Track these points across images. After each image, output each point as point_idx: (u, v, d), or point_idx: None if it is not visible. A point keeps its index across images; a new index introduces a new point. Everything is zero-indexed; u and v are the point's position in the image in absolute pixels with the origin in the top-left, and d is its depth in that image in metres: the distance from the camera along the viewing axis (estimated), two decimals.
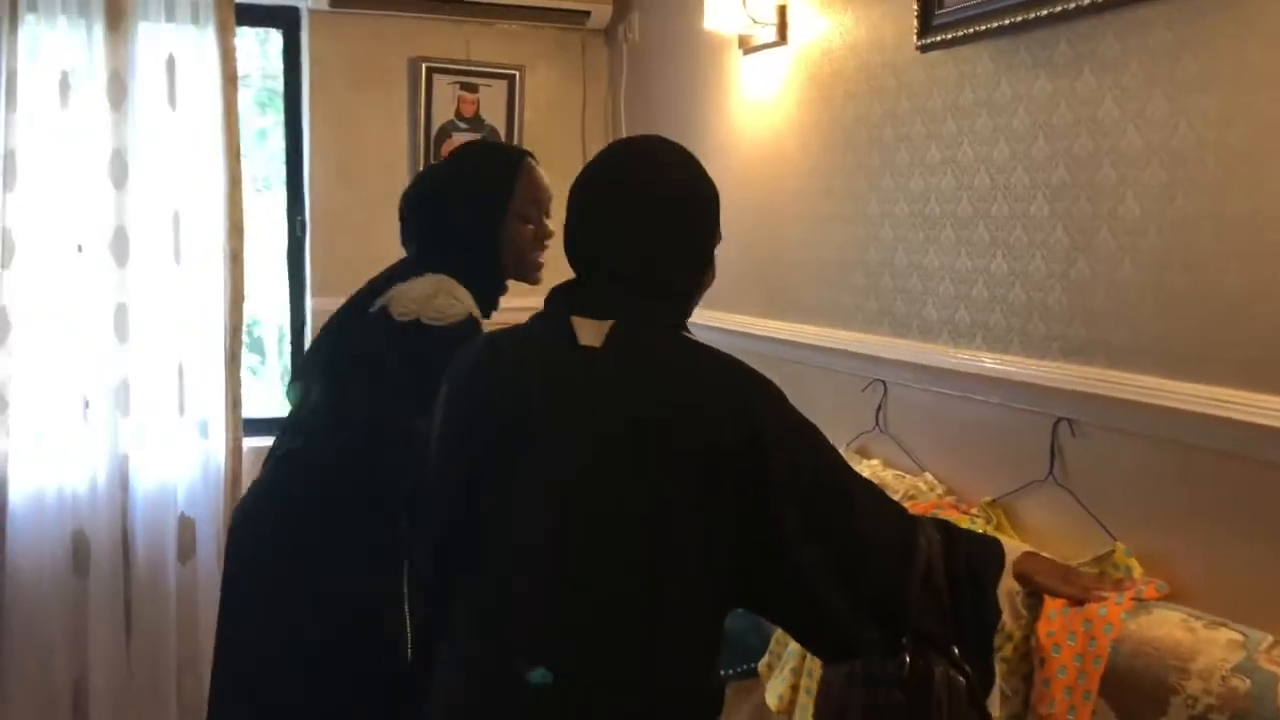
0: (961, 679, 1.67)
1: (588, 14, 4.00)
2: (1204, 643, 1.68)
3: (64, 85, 3.49)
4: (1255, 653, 1.62)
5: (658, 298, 1.65)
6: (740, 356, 3.04)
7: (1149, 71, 1.90)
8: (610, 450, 1.55)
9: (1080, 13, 2.00)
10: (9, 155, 3.42)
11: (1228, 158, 1.77)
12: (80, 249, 3.53)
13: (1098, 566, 2.01)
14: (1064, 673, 1.83)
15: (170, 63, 3.60)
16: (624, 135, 4.10)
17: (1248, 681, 1.58)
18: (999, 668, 1.93)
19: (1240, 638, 1.67)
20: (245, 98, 3.93)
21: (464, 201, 2.25)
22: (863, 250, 2.71)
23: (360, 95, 3.95)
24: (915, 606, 1.64)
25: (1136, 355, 1.95)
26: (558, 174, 4.14)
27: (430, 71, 3.96)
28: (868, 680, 1.72)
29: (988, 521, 2.25)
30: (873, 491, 1.72)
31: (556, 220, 1.96)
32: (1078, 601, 1.85)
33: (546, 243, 2.35)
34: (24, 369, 3.47)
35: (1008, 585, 1.76)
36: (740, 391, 1.61)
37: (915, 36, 2.40)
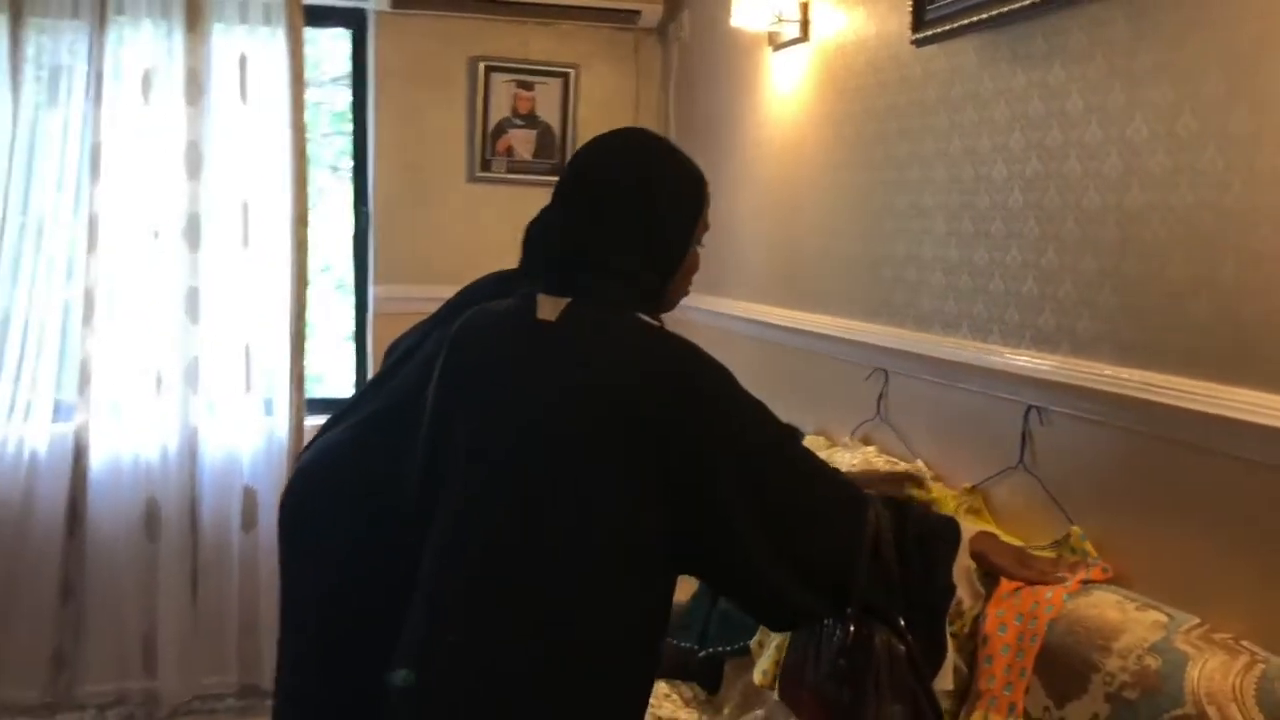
0: (902, 647, 1.72)
1: (638, 13, 4.12)
2: (1130, 623, 1.72)
3: (146, 83, 3.76)
4: (1174, 634, 1.65)
5: (618, 282, 1.70)
6: (758, 344, 3.13)
7: (1110, 64, 1.94)
8: (550, 416, 1.63)
9: (1053, 6, 2.04)
10: (96, 148, 3.69)
11: (1176, 148, 1.80)
12: (156, 235, 3.78)
13: (1056, 550, 2.04)
14: (1006, 650, 1.87)
15: (242, 61, 3.84)
16: (673, 131, 4.21)
17: (1159, 660, 1.61)
18: (953, 643, 1.99)
19: (1165, 619, 1.69)
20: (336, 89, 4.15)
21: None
22: (866, 242, 2.76)
23: (422, 92, 4.14)
24: (861, 578, 1.68)
25: (1095, 343, 1.98)
26: None
27: (488, 70, 4.13)
28: (818, 650, 1.79)
29: (966, 505, 2.29)
30: (820, 469, 1.77)
31: None
32: (1032, 584, 1.89)
33: None
34: (104, 346, 3.75)
35: (963, 563, 1.80)
36: (683, 368, 1.65)
37: (910, 30, 2.45)
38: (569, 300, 1.67)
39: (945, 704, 1.85)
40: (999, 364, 2.22)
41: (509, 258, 4.77)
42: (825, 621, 1.74)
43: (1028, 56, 2.15)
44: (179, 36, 3.76)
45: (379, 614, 1.78)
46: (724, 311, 3.67)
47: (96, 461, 3.78)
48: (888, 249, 2.67)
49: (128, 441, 3.82)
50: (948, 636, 1.82)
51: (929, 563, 1.76)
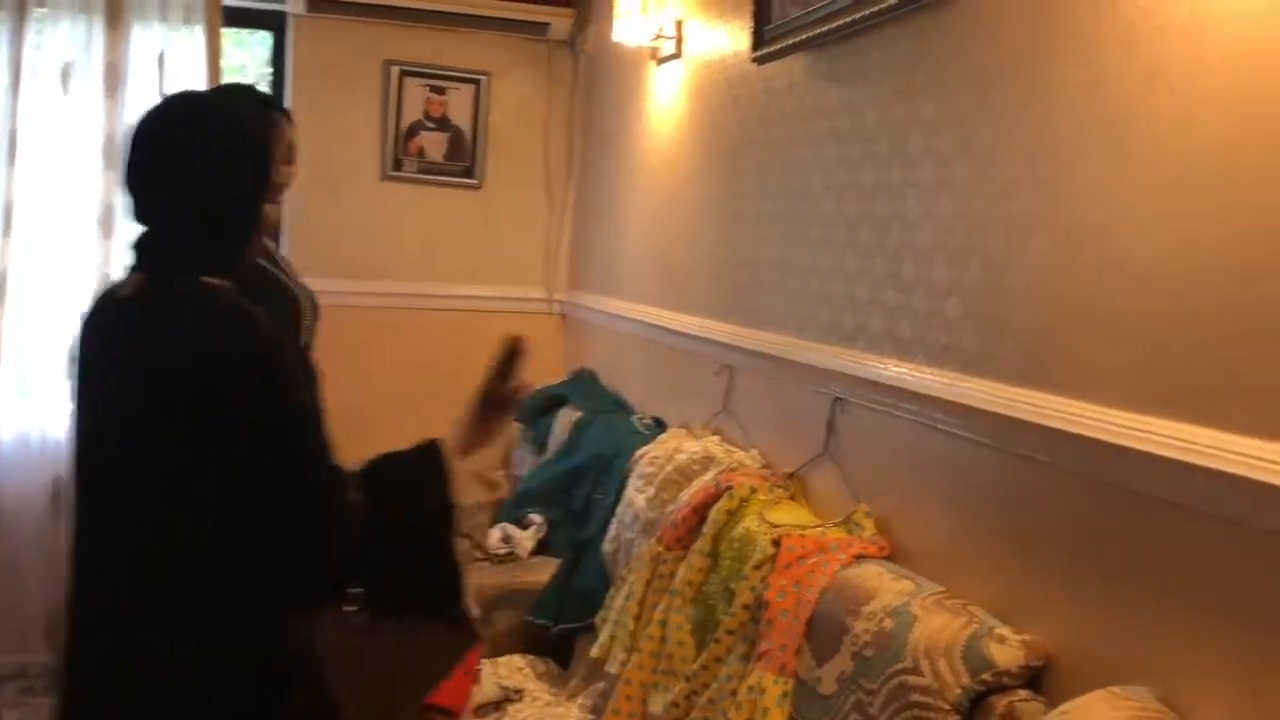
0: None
1: (548, 25, 4.29)
2: (882, 590, 1.89)
3: (65, 75, 3.90)
4: (913, 599, 1.82)
5: (181, 247, 1.65)
6: (642, 343, 3.30)
7: (895, 83, 2.12)
8: (117, 397, 1.64)
9: (857, 27, 2.22)
10: (13, 135, 3.83)
11: (939, 162, 1.98)
12: (72, 222, 3.92)
13: (845, 525, 2.22)
14: (784, 615, 2.05)
15: (161, 59, 3.98)
16: (579, 140, 4.39)
17: (894, 622, 1.79)
18: (742, 614, 2.16)
19: (913, 587, 1.87)
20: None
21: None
22: (721, 246, 2.95)
23: (337, 93, 4.30)
24: (334, 549, 1.63)
25: (881, 340, 2.16)
26: (519, 171, 4.50)
27: (402, 73, 4.29)
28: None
29: (785, 491, 2.46)
30: (311, 450, 1.67)
31: None
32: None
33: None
34: (15, 328, 3.88)
35: (461, 469, 1.73)
36: (221, 334, 1.58)
37: (750, 49, 2.63)
38: (141, 274, 1.65)
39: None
40: (814, 359, 2.40)
41: (419, 252, 4.92)
42: None
43: (838, 75, 2.33)
44: (99, 31, 3.90)
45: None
46: (614, 312, 3.85)
47: (5, 440, 3.90)
48: (735, 253, 2.85)
49: (36, 420, 3.94)
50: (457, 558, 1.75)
51: (414, 512, 1.71)
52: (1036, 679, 1.67)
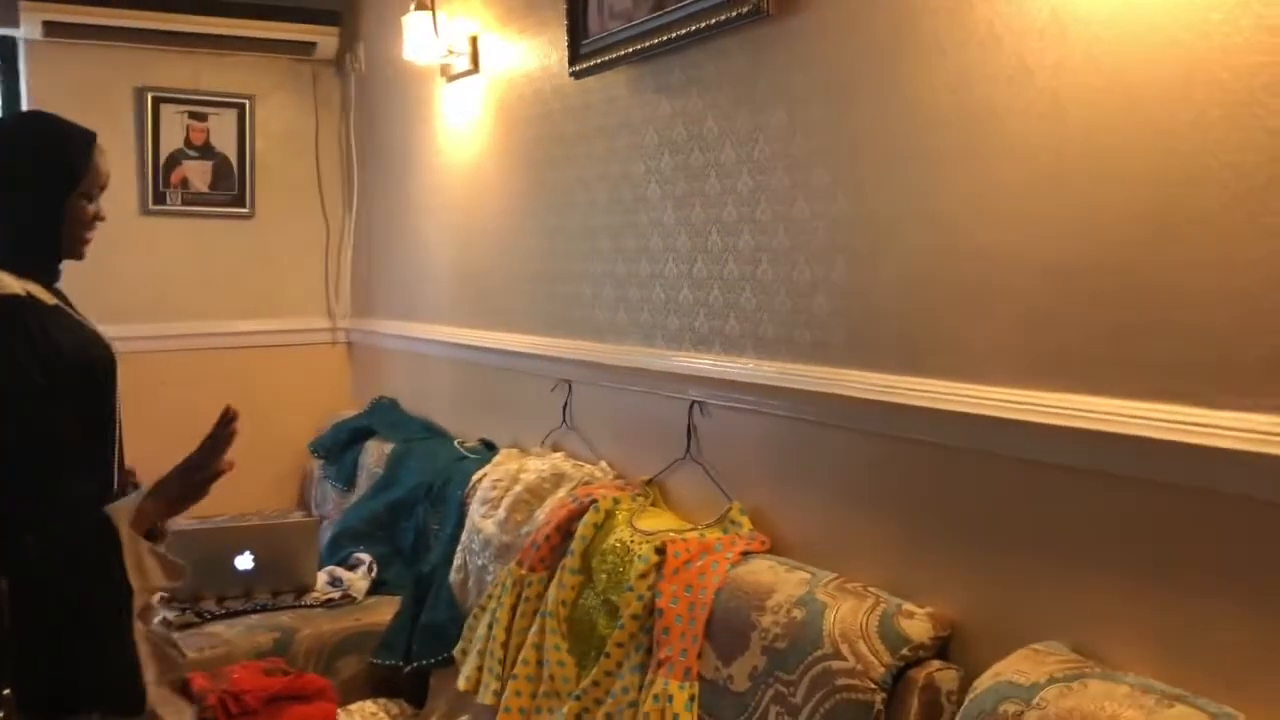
0: None
1: (314, 45, 4.14)
2: (781, 583, 1.95)
3: None
4: (816, 587, 1.89)
5: None
6: (453, 365, 3.23)
7: (735, 92, 2.19)
8: None
9: (687, 40, 2.27)
10: None
11: (792, 166, 2.06)
12: None
13: (720, 525, 2.26)
14: (679, 621, 2.06)
15: None
16: (355, 162, 4.25)
17: (804, 611, 1.84)
18: (631, 625, 2.16)
19: (809, 576, 1.94)
20: None
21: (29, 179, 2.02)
22: (543, 261, 2.93)
23: (84, 123, 3.95)
24: None
25: (740, 341, 2.22)
26: (292, 198, 4.30)
27: (157, 100, 4.01)
28: None
29: (646, 499, 2.49)
30: None
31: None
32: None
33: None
34: None
35: (137, 550, 1.75)
36: None
37: (568, 63, 2.64)
38: None
39: None
40: (665, 366, 2.43)
41: (191, 289, 4.61)
42: None
43: (669, 87, 2.38)
44: None
45: None
46: (417, 336, 3.75)
47: None
48: (562, 267, 2.85)
49: None
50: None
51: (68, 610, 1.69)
52: (944, 649, 1.77)
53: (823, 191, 1.99)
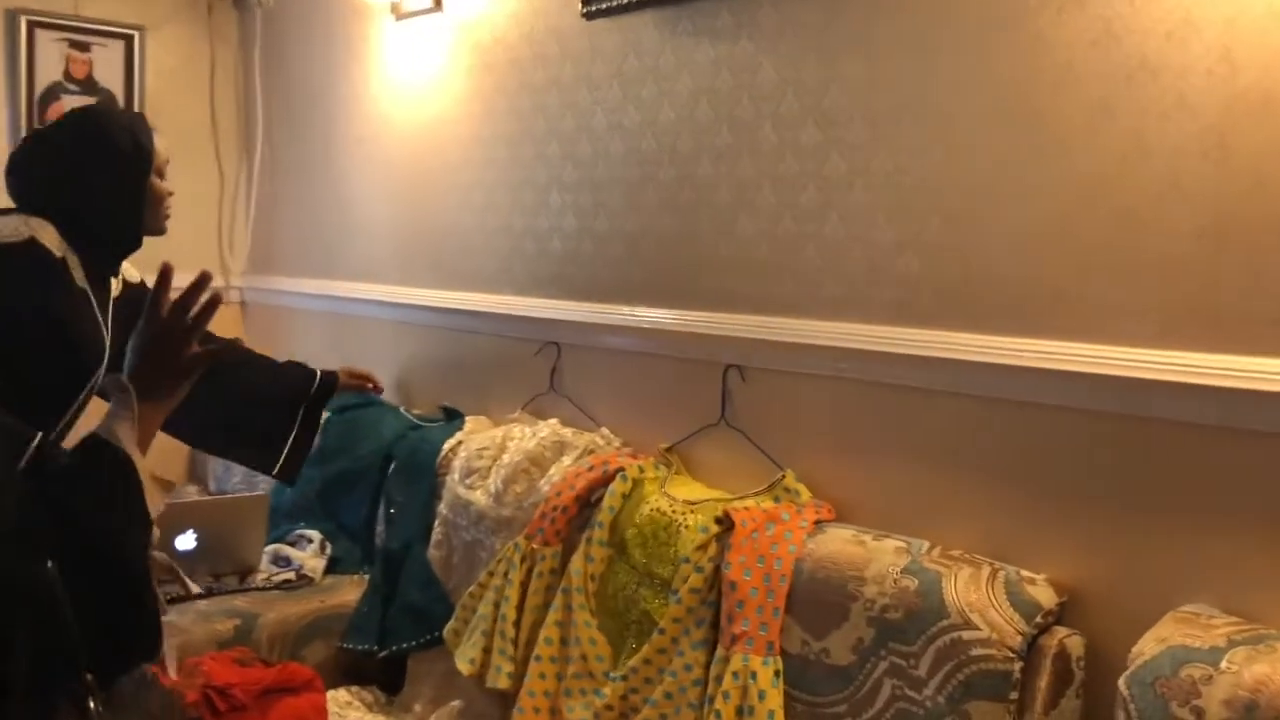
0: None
1: None
2: (874, 552, 1.87)
3: None
4: (918, 556, 1.83)
5: None
6: (408, 328, 2.99)
7: (803, 40, 2.08)
8: None
9: None
10: None
11: (873, 120, 1.98)
12: None
13: (771, 493, 2.18)
14: (755, 593, 1.96)
15: None
16: (260, 104, 3.90)
17: (916, 580, 1.78)
18: (690, 599, 2.05)
19: (904, 545, 1.87)
20: None
21: (109, 163, 2.13)
22: (533, 217, 2.75)
23: None
24: None
25: (790, 302, 2.13)
26: (184, 143, 3.89)
27: (32, 25, 3.55)
28: None
29: (667, 466, 2.37)
30: None
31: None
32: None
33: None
34: None
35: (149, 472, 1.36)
36: None
37: (580, 4, 2.46)
38: None
39: None
40: (693, 327, 2.31)
41: None
42: None
43: (713, 31, 2.25)
44: None
45: None
46: (344, 295, 3.47)
47: None
48: (555, 223, 2.68)
49: None
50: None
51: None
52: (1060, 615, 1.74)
53: (911, 147, 1.91)
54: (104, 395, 1.34)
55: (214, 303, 1.38)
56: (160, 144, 2.22)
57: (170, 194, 2.27)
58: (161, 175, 2.24)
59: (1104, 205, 1.68)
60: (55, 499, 1.20)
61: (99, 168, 2.13)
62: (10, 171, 2.17)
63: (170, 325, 1.36)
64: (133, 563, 1.28)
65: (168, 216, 2.27)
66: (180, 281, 1.35)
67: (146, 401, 1.32)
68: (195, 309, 1.36)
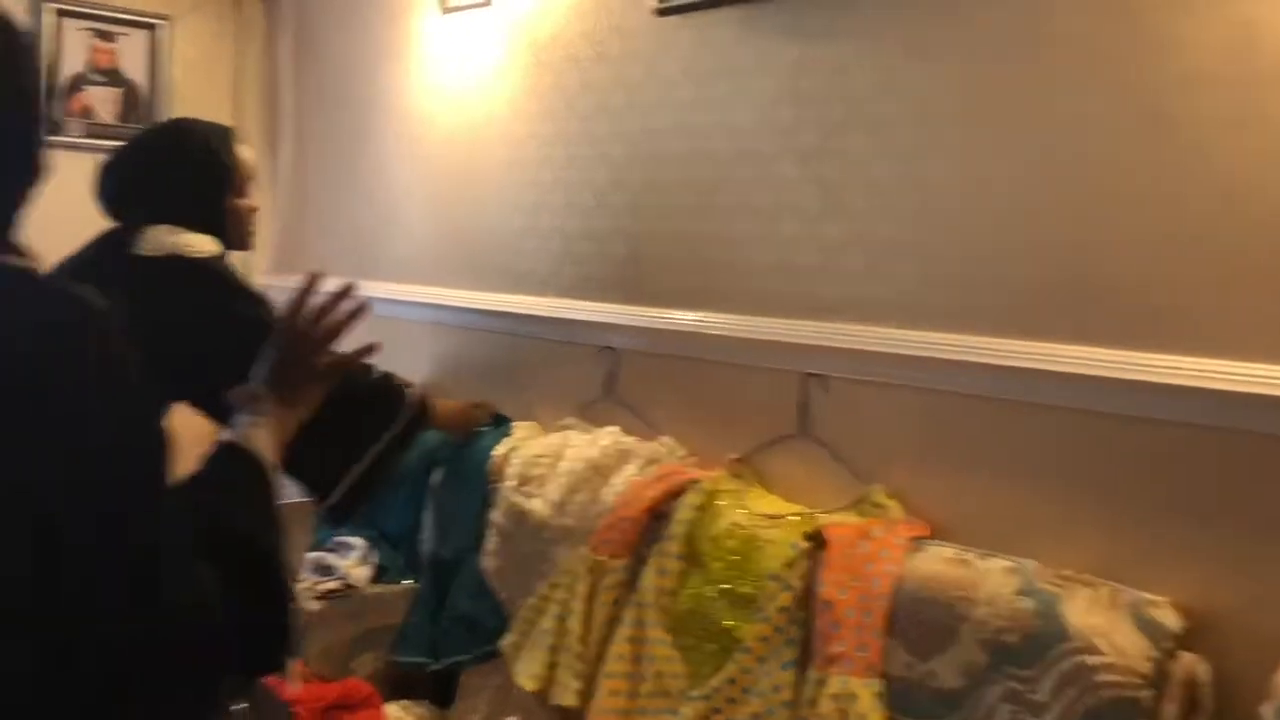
0: None
1: None
2: (982, 573, 1.81)
3: None
4: (1030, 576, 1.76)
5: None
6: (448, 330, 2.89)
7: (903, 41, 2.02)
8: None
9: None
10: None
11: (976, 121, 1.92)
12: None
13: (856, 508, 2.11)
14: (852, 613, 1.90)
15: None
16: (289, 98, 3.80)
17: (1031, 602, 1.72)
18: (779, 618, 1.98)
19: (1013, 565, 1.81)
20: None
21: (195, 176, 2.11)
22: (589, 218, 2.67)
23: None
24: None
25: (883, 309, 2.07)
26: None
27: (60, 13, 3.44)
28: None
29: (740, 478, 2.30)
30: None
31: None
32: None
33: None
34: None
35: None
36: None
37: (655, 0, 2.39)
38: None
39: None
40: (770, 334, 2.25)
41: (82, 233, 4.12)
42: None
43: (801, 30, 2.18)
44: None
45: None
46: (381, 296, 3.38)
47: None
48: (617, 225, 2.60)
49: None
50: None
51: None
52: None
53: (1015, 152, 1.85)
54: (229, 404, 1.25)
55: (357, 312, 1.32)
56: (246, 155, 2.20)
57: (255, 209, 2.24)
58: (242, 192, 2.23)
59: (1243, 213, 1.63)
60: (204, 505, 1.12)
61: (178, 182, 2.14)
62: (108, 180, 2.21)
63: (307, 332, 1.30)
64: (275, 564, 1.21)
65: (252, 233, 2.26)
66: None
67: (281, 408, 1.26)
68: (337, 316, 1.30)
